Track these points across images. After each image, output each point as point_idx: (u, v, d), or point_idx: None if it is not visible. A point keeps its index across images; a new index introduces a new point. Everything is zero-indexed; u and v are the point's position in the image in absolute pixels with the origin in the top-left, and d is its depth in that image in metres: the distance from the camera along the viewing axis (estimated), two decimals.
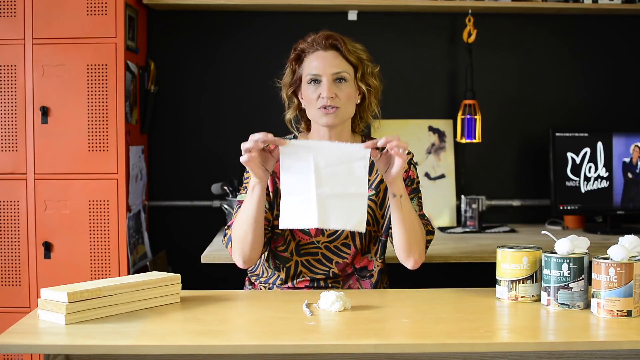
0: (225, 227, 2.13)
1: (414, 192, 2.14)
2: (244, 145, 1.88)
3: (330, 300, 1.77)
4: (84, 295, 1.66)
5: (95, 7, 2.79)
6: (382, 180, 2.14)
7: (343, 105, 2.05)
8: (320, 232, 2.09)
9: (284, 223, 1.86)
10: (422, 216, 2.14)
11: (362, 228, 1.87)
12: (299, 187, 1.85)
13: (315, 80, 2.05)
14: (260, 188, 1.94)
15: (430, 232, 2.12)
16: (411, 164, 2.17)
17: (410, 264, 2.05)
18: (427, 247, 2.11)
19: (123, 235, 2.84)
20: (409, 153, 2.17)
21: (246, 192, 2.10)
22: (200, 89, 3.29)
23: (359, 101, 2.13)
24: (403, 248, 2.02)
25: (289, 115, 2.19)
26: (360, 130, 2.22)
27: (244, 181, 2.15)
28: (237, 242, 2.02)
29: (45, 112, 2.81)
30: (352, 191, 1.86)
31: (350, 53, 2.07)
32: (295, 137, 2.18)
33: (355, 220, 1.86)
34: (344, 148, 1.88)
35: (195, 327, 1.66)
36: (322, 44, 2.07)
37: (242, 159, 1.88)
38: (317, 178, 1.85)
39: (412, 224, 2.00)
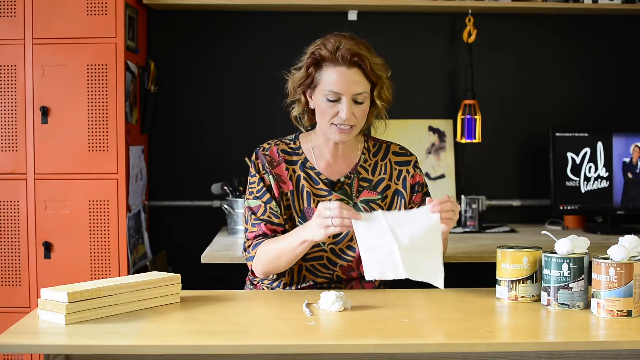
0: (246, 239, 2.11)
1: (426, 196, 2.16)
2: (331, 212, 1.85)
3: (330, 300, 1.77)
4: (84, 295, 1.66)
5: (95, 7, 2.79)
6: (388, 186, 2.14)
7: (358, 123, 2.06)
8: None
9: (370, 274, 1.84)
10: None
11: (441, 284, 1.84)
12: (377, 241, 1.84)
13: (335, 97, 2.02)
14: (309, 244, 1.96)
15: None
16: (417, 167, 2.18)
17: None
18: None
19: (123, 235, 2.84)
20: (411, 155, 2.19)
21: (254, 198, 2.11)
22: (200, 89, 3.29)
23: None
24: None
25: (295, 112, 2.17)
26: (363, 131, 2.21)
27: (250, 186, 2.14)
28: (266, 267, 2.05)
29: (45, 112, 2.81)
30: (428, 245, 1.84)
31: (372, 72, 2.03)
32: (297, 137, 2.18)
33: (438, 275, 1.84)
34: (412, 214, 1.89)
35: (195, 327, 1.66)
36: (346, 60, 2.00)
37: (328, 230, 1.87)
38: (394, 235, 1.85)
39: (445, 250, 2.04)
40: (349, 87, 2.00)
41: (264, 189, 2.10)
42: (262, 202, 2.10)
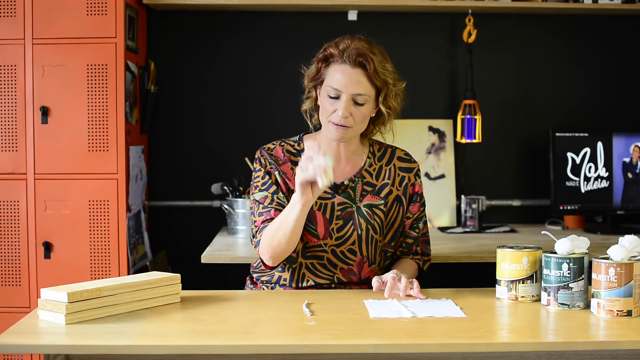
0: (254, 226, 2.08)
1: (423, 207, 2.19)
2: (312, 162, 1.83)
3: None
4: (84, 295, 1.66)
5: (95, 7, 2.79)
6: (391, 191, 2.14)
7: (356, 125, 2.04)
8: (328, 234, 2.09)
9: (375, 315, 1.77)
10: (425, 234, 2.21)
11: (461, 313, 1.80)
12: (388, 310, 1.79)
13: (335, 94, 2.02)
14: (301, 209, 1.91)
15: (426, 260, 2.21)
16: (418, 175, 2.19)
17: None
18: (428, 268, 2.21)
19: (123, 235, 2.84)
20: (414, 162, 2.20)
21: (259, 191, 2.10)
22: (200, 89, 3.29)
23: (373, 114, 2.11)
24: None
25: (305, 106, 2.17)
26: (369, 138, 2.20)
27: (255, 181, 2.14)
28: (269, 246, 2.00)
29: (45, 112, 2.81)
30: (443, 308, 1.80)
31: (377, 76, 2.01)
32: (301, 139, 2.18)
33: (454, 311, 1.79)
34: (428, 301, 1.86)
35: (195, 327, 1.66)
36: (351, 59, 2.00)
37: (305, 174, 1.84)
38: (405, 305, 1.82)
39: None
40: (349, 85, 2.00)
41: (270, 181, 2.09)
42: (269, 193, 2.08)
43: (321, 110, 2.08)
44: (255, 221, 2.09)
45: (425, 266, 2.20)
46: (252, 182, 2.15)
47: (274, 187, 2.09)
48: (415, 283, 1.92)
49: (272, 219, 2.04)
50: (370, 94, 2.04)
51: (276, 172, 2.10)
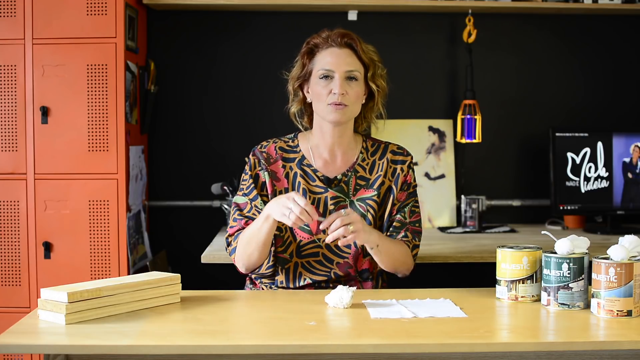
0: (227, 235, 2.15)
1: (411, 196, 2.18)
2: (294, 208, 1.87)
3: (339, 295, 1.80)
4: (84, 295, 1.66)
5: (95, 7, 2.79)
6: (383, 182, 2.16)
7: (351, 104, 2.09)
8: (321, 230, 2.09)
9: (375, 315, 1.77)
10: (414, 223, 2.18)
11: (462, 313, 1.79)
12: (388, 310, 1.79)
13: (327, 76, 2.08)
14: (273, 222, 1.98)
15: (416, 246, 2.18)
16: (410, 167, 2.20)
17: (399, 275, 2.15)
18: (414, 257, 2.17)
19: (123, 235, 2.84)
20: (408, 155, 2.20)
21: (242, 195, 2.14)
22: (200, 89, 3.29)
23: (364, 101, 2.16)
24: (389, 270, 2.12)
25: (293, 109, 2.21)
26: (363, 129, 2.24)
27: (242, 183, 2.17)
28: (243, 255, 2.08)
29: (45, 112, 2.81)
30: (443, 308, 1.80)
31: (364, 53, 2.10)
32: (296, 136, 2.20)
33: (454, 311, 1.79)
34: (426, 302, 1.86)
35: (195, 327, 1.66)
36: (337, 41, 2.10)
37: (283, 218, 1.90)
38: (405, 305, 1.82)
39: (394, 257, 2.08)
40: (340, 64, 2.07)
41: (252, 185, 2.14)
42: (249, 199, 2.14)
43: (315, 99, 2.11)
44: (230, 226, 2.15)
45: (414, 252, 2.16)
46: (240, 183, 2.19)
47: (254, 193, 2.14)
48: (352, 235, 1.92)
49: (243, 229, 2.10)
50: (360, 71, 2.11)
51: (265, 173, 2.13)
